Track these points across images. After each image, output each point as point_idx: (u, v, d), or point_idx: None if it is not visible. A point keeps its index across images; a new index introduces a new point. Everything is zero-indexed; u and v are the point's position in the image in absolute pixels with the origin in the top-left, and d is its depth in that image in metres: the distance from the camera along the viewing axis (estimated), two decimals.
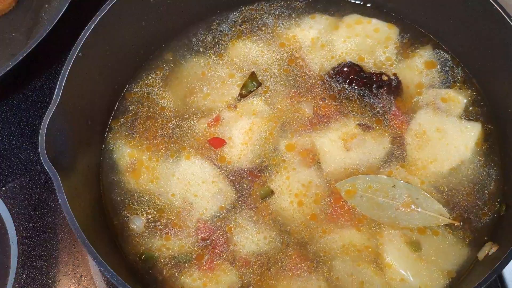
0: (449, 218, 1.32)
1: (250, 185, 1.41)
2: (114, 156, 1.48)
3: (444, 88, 1.52)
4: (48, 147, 1.17)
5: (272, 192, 1.38)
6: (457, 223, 1.32)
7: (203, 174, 1.41)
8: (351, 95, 1.51)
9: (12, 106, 1.77)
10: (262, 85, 1.50)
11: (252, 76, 1.50)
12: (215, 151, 1.45)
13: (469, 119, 1.47)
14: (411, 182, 1.39)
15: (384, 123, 1.47)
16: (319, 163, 1.43)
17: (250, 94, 1.52)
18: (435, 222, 1.32)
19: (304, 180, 1.40)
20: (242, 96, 1.51)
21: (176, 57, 1.61)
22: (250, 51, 1.60)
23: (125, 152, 1.47)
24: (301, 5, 1.67)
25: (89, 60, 1.35)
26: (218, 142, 1.45)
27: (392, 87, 1.51)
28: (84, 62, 1.33)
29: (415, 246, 1.31)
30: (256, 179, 1.41)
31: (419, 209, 1.32)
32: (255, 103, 1.51)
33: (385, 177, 1.37)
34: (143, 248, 1.36)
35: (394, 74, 1.53)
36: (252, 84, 1.49)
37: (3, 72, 1.53)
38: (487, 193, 1.39)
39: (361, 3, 1.66)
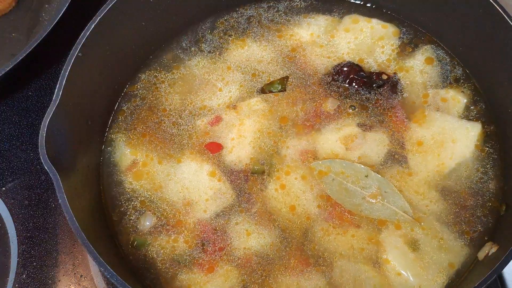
0: (411, 217, 1.33)
1: (249, 185, 1.41)
2: (114, 156, 1.48)
3: (444, 88, 1.52)
4: (48, 147, 1.17)
5: (263, 172, 1.40)
6: (418, 223, 1.33)
7: (203, 174, 1.42)
8: (351, 95, 1.51)
9: (12, 106, 1.77)
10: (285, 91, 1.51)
11: (283, 79, 1.51)
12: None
13: (469, 119, 1.47)
14: (411, 182, 1.39)
15: (384, 123, 1.47)
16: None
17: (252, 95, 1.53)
18: (396, 218, 1.33)
19: (304, 180, 1.40)
20: (263, 92, 1.52)
21: (176, 57, 1.61)
22: (250, 51, 1.60)
23: (125, 152, 1.47)
24: (302, 5, 1.67)
25: (89, 60, 1.35)
26: (215, 147, 1.44)
27: (392, 86, 1.51)
28: (84, 62, 1.33)
29: (415, 245, 1.31)
30: (257, 179, 1.41)
31: (384, 202, 1.33)
32: (255, 103, 1.51)
33: (361, 166, 1.38)
34: (134, 235, 1.36)
35: (394, 74, 1.54)
36: (277, 86, 1.50)
37: (3, 72, 1.53)
38: (487, 193, 1.39)
39: (361, 3, 1.66)
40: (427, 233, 1.33)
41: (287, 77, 1.52)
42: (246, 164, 1.43)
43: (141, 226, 1.37)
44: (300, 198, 1.38)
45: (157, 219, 1.38)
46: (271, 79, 1.55)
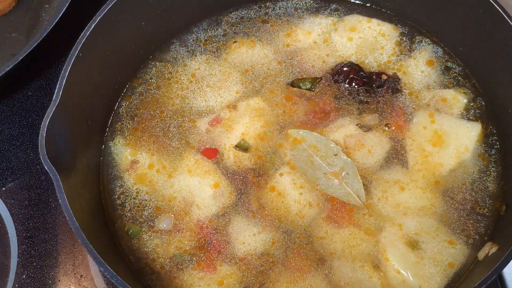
0: (362, 202, 1.36)
1: (250, 185, 1.41)
2: (114, 156, 1.48)
3: (444, 88, 1.52)
4: (48, 147, 1.17)
5: (246, 149, 1.42)
6: (365, 209, 1.35)
7: (203, 175, 1.42)
8: (351, 95, 1.51)
9: (12, 106, 1.77)
10: (312, 90, 1.51)
11: (315, 79, 1.50)
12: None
13: (469, 119, 1.47)
14: (411, 182, 1.39)
15: (384, 123, 1.47)
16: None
17: (248, 96, 1.53)
18: (348, 199, 1.36)
19: (305, 180, 1.40)
20: (292, 85, 1.52)
21: (176, 58, 1.61)
22: (250, 51, 1.60)
23: (125, 152, 1.47)
24: (302, 5, 1.67)
25: (89, 60, 1.35)
26: (211, 153, 1.44)
27: (392, 86, 1.51)
28: (84, 62, 1.33)
29: (415, 245, 1.31)
30: (257, 179, 1.41)
31: (342, 182, 1.36)
32: (255, 102, 1.51)
33: (333, 144, 1.41)
34: (129, 222, 1.37)
35: (394, 74, 1.54)
36: (306, 84, 1.50)
37: (3, 72, 1.53)
38: (487, 193, 1.39)
39: (362, 3, 1.66)
40: (427, 233, 1.33)
41: (320, 78, 1.51)
42: (247, 164, 1.43)
43: (157, 224, 1.37)
44: (301, 199, 1.38)
45: (174, 222, 1.38)
46: (272, 79, 1.55)
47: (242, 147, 1.43)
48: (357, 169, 1.39)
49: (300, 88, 1.51)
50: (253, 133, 1.46)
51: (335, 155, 1.39)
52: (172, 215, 1.38)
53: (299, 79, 1.53)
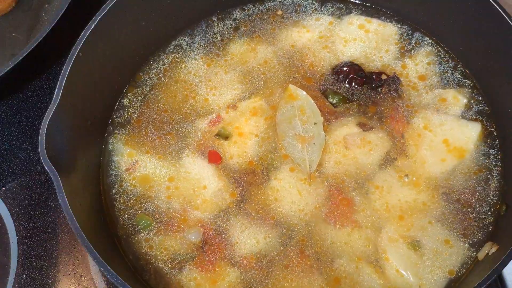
0: (308, 172, 1.38)
1: (250, 186, 1.41)
2: (114, 156, 1.48)
3: (444, 88, 1.52)
4: (48, 147, 1.17)
5: (227, 138, 1.44)
6: (308, 179, 1.38)
7: (203, 174, 1.42)
8: (350, 94, 1.51)
9: (12, 106, 1.77)
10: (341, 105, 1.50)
11: (344, 99, 1.49)
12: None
13: (469, 119, 1.47)
14: (410, 182, 1.39)
15: (384, 123, 1.47)
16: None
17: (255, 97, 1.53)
18: (298, 162, 1.40)
19: (305, 180, 1.40)
20: (323, 93, 1.51)
21: (176, 57, 1.61)
22: (250, 51, 1.60)
23: (125, 152, 1.47)
24: (302, 5, 1.67)
25: (89, 60, 1.35)
26: (215, 157, 1.43)
27: (392, 86, 1.51)
28: (84, 62, 1.33)
29: (415, 245, 1.31)
30: (257, 179, 1.41)
31: (305, 147, 1.40)
32: (256, 102, 1.51)
33: (319, 115, 1.43)
34: (141, 213, 1.38)
35: (394, 74, 1.54)
36: (335, 98, 1.49)
37: (3, 72, 1.53)
38: (487, 193, 1.39)
39: (361, 2, 1.66)
40: (427, 233, 1.33)
41: (350, 101, 1.49)
42: (246, 164, 1.43)
43: (186, 235, 1.36)
44: (301, 199, 1.38)
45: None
46: (272, 79, 1.55)
47: (222, 135, 1.44)
48: (325, 143, 1.42)
49: (327, 99, 1.50)
50: (253, 132, 1.46)
51: (315, 123, 1.41)
52: (202, 229, 1.36)
53: (332, 90, 1.51)
